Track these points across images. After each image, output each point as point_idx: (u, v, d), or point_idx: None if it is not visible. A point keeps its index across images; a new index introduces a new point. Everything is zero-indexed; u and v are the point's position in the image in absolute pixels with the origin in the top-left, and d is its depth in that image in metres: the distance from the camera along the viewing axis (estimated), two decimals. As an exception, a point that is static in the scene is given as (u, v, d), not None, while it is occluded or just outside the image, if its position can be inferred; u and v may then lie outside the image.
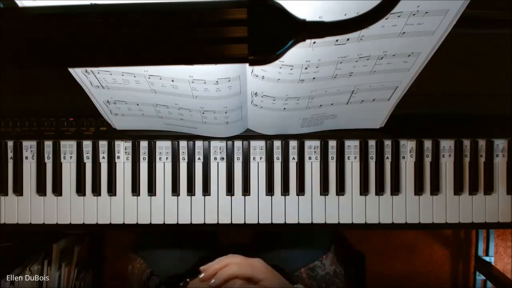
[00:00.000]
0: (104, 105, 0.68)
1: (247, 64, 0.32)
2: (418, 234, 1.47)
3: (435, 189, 0.76)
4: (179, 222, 0.76)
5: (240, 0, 0.30)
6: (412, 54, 0.56)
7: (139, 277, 0.84)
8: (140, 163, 0.77)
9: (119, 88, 0.63)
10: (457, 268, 1.48)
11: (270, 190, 0.76)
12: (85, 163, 0.77)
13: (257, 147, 0.77)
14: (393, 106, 0.68)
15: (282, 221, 0.76)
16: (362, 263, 0.99)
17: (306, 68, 0.56)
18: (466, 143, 0.77)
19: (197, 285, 0.62)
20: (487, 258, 1.38)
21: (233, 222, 0.76)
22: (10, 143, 0.77)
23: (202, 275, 0.61)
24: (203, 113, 0.66)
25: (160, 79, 0.59)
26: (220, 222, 0.76)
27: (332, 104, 0.66)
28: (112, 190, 0.76)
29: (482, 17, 0.69)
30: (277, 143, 0.77)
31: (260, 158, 0.77)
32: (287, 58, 0.54)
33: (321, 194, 0.76)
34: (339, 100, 0.66)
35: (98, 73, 0.59)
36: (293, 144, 0.77)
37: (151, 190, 0.76)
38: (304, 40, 0.32)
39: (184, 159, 0.77)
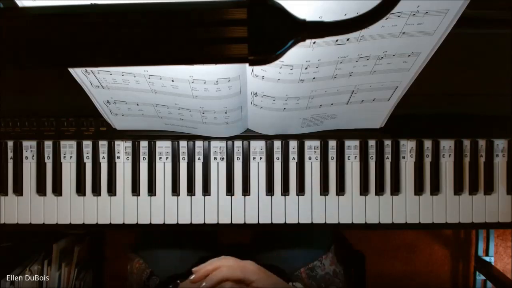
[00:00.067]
0: (104, 105, 0.68)
1: (247, 64, 0.32)
2: (418, 234, 1.47)
3: (435, 189, 0.76)
4: (179, 222, 0.76)
5: (240, 0, 0.30)
6: (412, 54, 0.56)
7: (139, 277, 0.84)
8: (140, 163, 0.77)
9: (119, 88, 0.63)
10: (457, 268, 1.48)
11: (270, 190, 0.76)
12: (85, 163, 0.77)
13: (257, 147, 0.77)
14: (393, 106, 0.68)
15: (282, 221, 0.76)
16: (362, 263, 0.99)
17: (306, 68, 0.56)
18: (466, 143, 0.77)
19: (188, 286, 0.62)
20: (487, 258, 1.38)
21: (233, 222, 0.76)
22: (10, 143, 0.77)
23: (192, 277, 0.61)
24: (203, 113, 0.66)
25: (160, 79, 0.59)
26: (220, 222, 0.76)
27: (332, 104, 0.66)
28: (112, 190, 0.76)
29: (482, 17, 0.69)
30: (277, 143, 0.77)
31: (260, 158, 0.77)
32: (287, 58, 0.54)
33: (321, 194, 0.76)
34: (339, 100, 0.66)
35: (98, 73, 0.59)
36: (293, 144, 0.77)
37: (151, 190, 0.76)
38: (304, 40, 0.32)
39: (184, 159, 0.77)
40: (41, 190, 0.76)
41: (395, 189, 0.76)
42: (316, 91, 0.62)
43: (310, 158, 0.77)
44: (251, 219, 0.76)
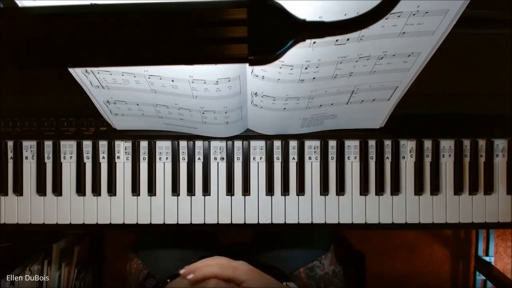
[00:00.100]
0: (104, 105, 0.68)
1: (247, 64, 0.32)
2: (418, 234, 1.47)
3: (435, 189, 0.76)
4: (179, 222, 0.76)
5: (240, 0, 0.30)
6: (412, 54, 0.56)
7: (136, 277, 0.84)
8: (140, 163, 0.77)
9: (119, 88, 0.63)
10: (457, 268, 1.48)
11: (270, 190, 0.76)
12: (85, 163, 0.77)
13: (257, 147, 0.77)
14: (393, 106, 0.68)
15: (282, 221, 0.76)
16: (362, 263, 0.99)
17: (306, 68, 0.56)
18: (466, 143, 0.77)
19: (177, 283, 0.61)
20: (487, 258, 1.38)
21: (233, 222, 0.76)
22: (10, 143, 0.77)
23: (182, 271, 0.60)
24: (203, 113, 0.66)
25: (160, 79, 0.59)
26: (220, 222, 0.76)
27: (332, 104, 0.66)
28: (112, 190, 0.76)
29: (482, 17, 0.69)
30: (277, 143, 0.77)
31: (260, 158, 0.77)
32: (287, 58, 0.54)
33: (321, 194, 0.76)
34: (339, 100, 0.66)
35: (98, 73, 0.59)
36: (293, 144, 0.77)
37: (151, 190, 0.76)
38: (304, 40, 0.32)
39: (184, 159, 0.77)
40: (41, 190, 0.76)
41: (395, 189, 0.76)
42: (316, 91, 0.62)
43: (310, 158, 0.77)
44: (251, 219, 0.76)
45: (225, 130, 0.73)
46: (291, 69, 0.56)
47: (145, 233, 0.88)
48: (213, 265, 0.59)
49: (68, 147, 0.77)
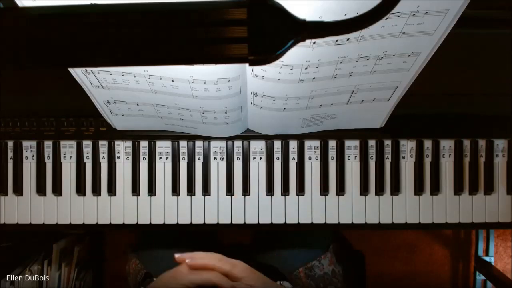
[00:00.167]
0: (104, 105, 0.68)
1: (247, 64, 0.32)
2: (418, 234, 1.47)
3: (435, 189, 0.76)
4: (179, 222, 0.76)
5: (240, 0, 0.30)
6: (412, 54, 0.56)
7: (134, 277, 0.84)
8: (140, 163, 0.77)
9: (119, 88, 0.63)
10: (457, 268, 1.48)
11: (270, 190, 0.76)
12: (85, 163, 0.77)
13: (257, 147, 0.77)
14: (393, 106, 0.68)
15: (282, 221, 0.76)
16: (362, 263, 0.99)
17: (306, 68, 0.56)
18: (466, 143, 0.77)
19: (175, 271, 0.59)
20: (487, 258, 1.38)
21: (233, 222, 0.76)
22: (10, 143, 0.77)
23: (178, 255, 0.59)
24: (203, 113, 0.66)
25: (160, 79, 0.59)
26: (220, 222, 0.76)
27: (332, 104, 0.66)
28: (112, 190, 0.76)
29: (482, 17, 0.70)
30: (277, 143, 0.77)
31: (260, 158, 0.77)
32: (287, 58, 0.54)
33: (321, 194, 0.76)
34: (339, 100, 0.66)
35: (98, 73, 0.59)
36: (293, 144, 0.77)
37: (151, 190, 0.76)
38: (304, 40, 0.32)
39: (184, 159, 0.77)
40: (41, 190, 0.76)
41: (395, 189, 0.76)
42: (316, 91, 0.62)
43: (310, 158, 0.77)
44: (251, 219, 0.76)
45: (225, 130, 0.73)
46: (291, 69, 0.56)
47: (144, 233, 0.88)
48: (213, 257, 0.58)
49: (68, 147, 0.77)
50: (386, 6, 0.31)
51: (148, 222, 0.76)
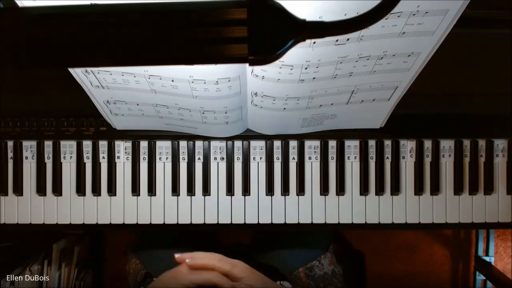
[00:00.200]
0: (104, 105, 0.68)
1: (247, 64, 0.32)
2: (418, 234, 1.47)
3: (435, 189, 0.76)
4: (179, 222, 0.76)
5: (240, 0, 0.30)
6: (412, 54, 0.56)
7: (134, 277, 0.84)
8: (140, 163, 0.77)
9: (119, 88, 0.63)
10: (457, 268, 1.48)
11: (270, 190, 0.76)
12: (85, 163, 0.77)
13: (257, 147, 0.77)
14: (393, 106, 0.68)
15: (282, 221, 0.76)
16: (362, 263, 0.99)
17: (306, 68, 0.56)
18: (466, 143, 0.77)
19: (175, 271, 0.60)
20: (487, 258, 1.38)
21: (233, 222, 0.76)
22: (10, 143, 0.77)
23: (177, 255, 0.59)
24: (203, 113, 0.66)
25: (160, 79, 0.59)
26: (220, 222, 0.76)
27: (332, 104, 0.66)
28: (112, 190, 0.76)
29: (482, 17, 0.70)
30: (277, 143, 0.77)
31: (260, 158, 0.77)
32: (287, 58, 0.54)
33: (321, 194, 0.76)
34: (339, 100, 0.66)
35: (98, 73, 0.59)
36: (293, 144, 0.77)
37: (151, 190, 0.76)
38: (304, 40, 0.32)
39: (184, 159, 0.77)
40: (41, 190, 0.76)
41: (395, 189, 0.76)
42: (316, 91, 0.62)
43: (310, 158, 0.77)
44: (251, 219, 0.76)
45: (225, 130, 0.73)
46: (291, 69, 0.56)
47: (144, 233, 0.88)
48: (213, 257, 0.59)
49: (68, 147, 0.77)
50: (386, 6, 0.31)
51: (148, 222, 0.76)
